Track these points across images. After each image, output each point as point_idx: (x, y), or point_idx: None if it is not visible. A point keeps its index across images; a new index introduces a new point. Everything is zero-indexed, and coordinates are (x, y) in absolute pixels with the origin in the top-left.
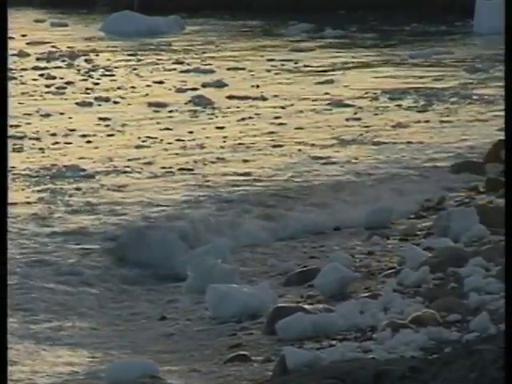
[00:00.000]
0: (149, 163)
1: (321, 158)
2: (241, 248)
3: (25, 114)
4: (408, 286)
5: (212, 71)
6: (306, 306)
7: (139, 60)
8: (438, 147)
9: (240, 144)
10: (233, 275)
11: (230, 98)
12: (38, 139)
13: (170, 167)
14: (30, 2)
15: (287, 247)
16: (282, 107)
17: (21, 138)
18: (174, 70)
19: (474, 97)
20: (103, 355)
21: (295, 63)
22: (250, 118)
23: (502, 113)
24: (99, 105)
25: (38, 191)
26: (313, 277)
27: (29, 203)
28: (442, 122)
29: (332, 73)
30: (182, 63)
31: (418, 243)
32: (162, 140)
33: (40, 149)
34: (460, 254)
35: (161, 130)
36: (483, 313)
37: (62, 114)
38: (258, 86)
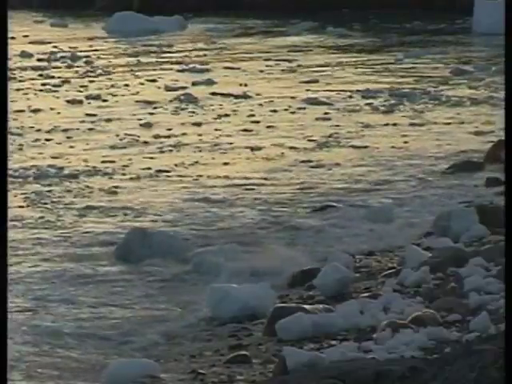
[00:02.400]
0: (125, 166)
1: (309, 161)
2: (241, 248)
3: (15, 111)
4: (408, 286)
5: (208, 70)
6: (306, 306)
7: (138, 60)
8: (412, 150)
9: (215, 145)
10: (233, 275)
11: (214, 95)
12: (20, 135)
13: (149, 168)
14: (30, 3)
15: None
16: (260, 105)
17: None
18: (171, 69)
19: (443, 99)
20: (104, 355)
21: (289, 62)
22: (226, 115)
23: (470, 116)
24: (89, 103)
25: (22, 192)
26: (313, 277)
27: (20, 207)
28: (411, 124)
29: (321, 72)
30: (180, 63)
31: (418, 243)
32: (139, 137)
33: (20, 145)
34: (460, 254)
35: (141, 125)
36: (483, 313)
37: (52, 109)
38: (246, 85)
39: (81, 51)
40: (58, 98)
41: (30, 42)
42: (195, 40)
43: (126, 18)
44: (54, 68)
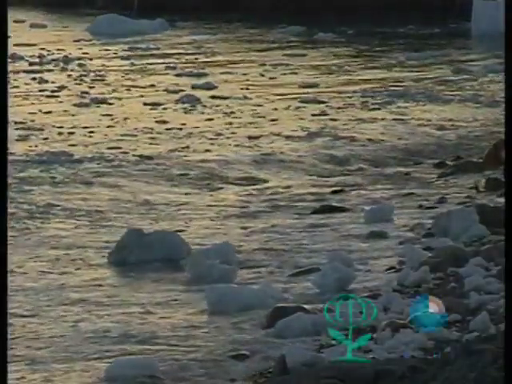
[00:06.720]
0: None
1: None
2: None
3: (29, 113)
4: (408, 286)
5: (205, 74)
6: (305, 306)
7: (132, 63)
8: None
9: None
10: (232, 275)
11: (214, 98)
12: (41, 130)
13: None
14: (29, 1)
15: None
16: (260, 105)
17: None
18: (167, 73)
19: (435, 97)
20: (103, 354)
21: (286, 65)
22: (232, 112)
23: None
24: (98, 106)
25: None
26: (313, 276)
27: None
28: (395, 119)
29: (321, 75)
30: (174, 67)
31: (418, 243)
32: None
33: (45, 139)
34: (460, 254)
35: (156, 122)
36: (483, 313)
37: (65, 111)
38: (247, 88)
39: (71, 53)
40: (60, 102)
41: (15, 44)
42: (186, 43)
43: (110, 20)
44: (47, 71)
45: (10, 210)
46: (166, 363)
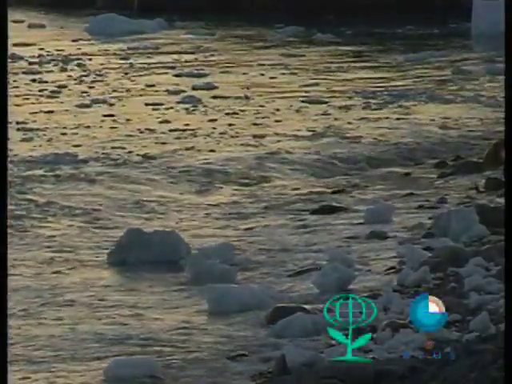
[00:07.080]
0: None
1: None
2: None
3: (30, 113)
4: (408, 286)
5: (205, 75)
6: (305, 306)
7: (131, 64)
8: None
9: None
10: (232, 275)
11: (215, 98)
12: (43, 130)
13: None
14: (29, 1)
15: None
16: (262, 105)
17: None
18: (166, 73)
19: (435, 97)
20: (103, 353)
21: (285, 67)
22: (234, 113)
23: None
24: (99, 106)
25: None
26: (313, 276)
27: None
28: (395, 119)
29: (320, 76)
30: (173, 67)
31: (418, 243)
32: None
33: (49, 140)
34: (460, 254)
35: (160, 122)
36: (483, 313)
37: (66, 111)
38: (248, 88)
39: (70, 54)
40: (61, 102)
41: (14, 44)
42: (182, 42)
43: (108, 20)
44: (46, 72)
45: (10, 207)
46: (165, 363)
